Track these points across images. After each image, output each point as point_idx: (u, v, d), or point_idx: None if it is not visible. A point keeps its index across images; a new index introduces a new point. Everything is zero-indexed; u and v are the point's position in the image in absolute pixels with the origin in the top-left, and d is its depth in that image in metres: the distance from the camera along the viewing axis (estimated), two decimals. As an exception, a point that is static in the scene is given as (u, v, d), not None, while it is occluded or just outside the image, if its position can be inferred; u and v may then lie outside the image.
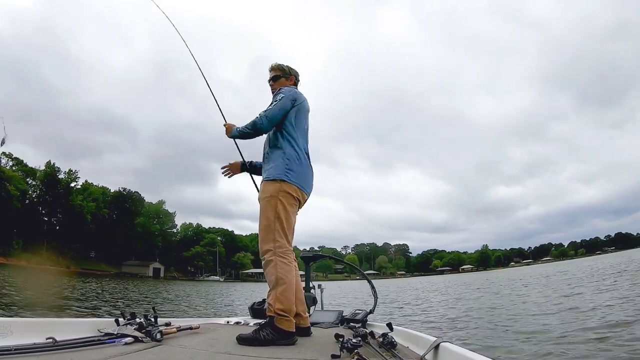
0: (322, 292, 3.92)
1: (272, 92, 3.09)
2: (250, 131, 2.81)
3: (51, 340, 1.90)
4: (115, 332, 2.26)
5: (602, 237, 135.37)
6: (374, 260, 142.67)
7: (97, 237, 68.53)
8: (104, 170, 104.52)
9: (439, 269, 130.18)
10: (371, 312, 3.63)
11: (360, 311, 3.64)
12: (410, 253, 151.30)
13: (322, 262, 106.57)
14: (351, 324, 3.44)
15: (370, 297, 3.96)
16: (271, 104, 2.87)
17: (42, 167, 67.94)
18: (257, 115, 2.79)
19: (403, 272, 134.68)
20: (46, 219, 68.15)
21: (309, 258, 4.20)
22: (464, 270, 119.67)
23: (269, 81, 3.15)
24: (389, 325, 2.80)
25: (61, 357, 1.78)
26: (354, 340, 2.45)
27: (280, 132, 2.86)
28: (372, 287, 3.87)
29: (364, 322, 3.45)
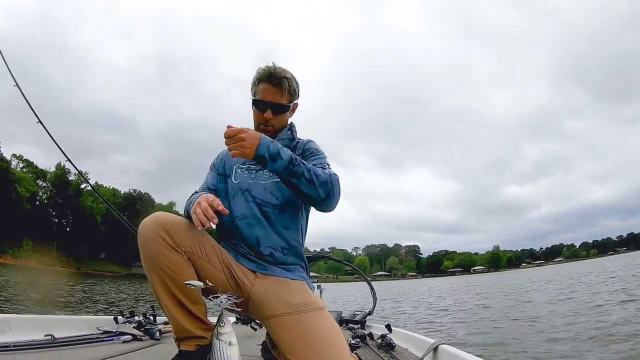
0: (321, 292, 3.91)
1: (267, 131, 1.72)
2: (316, 186, 1.52)
3: (50, 337, 1.92)
4: (114, 330, 2.29)
5: (614, 238, 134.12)
6: (384, 262, 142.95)
7: (107, 238, 69.09)
8: (110, 170, 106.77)
9: (450, 270, 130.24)
10: (370, 313, 3.61)
11: (359, 312, 3.64)
12: (421, 254, 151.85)
13: (332, 264, 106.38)
14: (350, 325, 3.44)
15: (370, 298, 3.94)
16: (319, 159, 1.71)
17: (52, 169, 68.94)
18: (331, 171, 1.61)
19: (414, 274, 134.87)
20: (56, 220, 69.01)
21: (309, 258, 4.20)
22: (475, 272, 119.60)
23: (264, 108, 1.71)
24: (388, 327, 2.79)
25: (60, 354, 1.80)
26: (352, 342, 2.46)
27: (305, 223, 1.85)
28: (372, 288, 3.87)
29: (362, 323, 3.44)
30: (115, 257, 71.25)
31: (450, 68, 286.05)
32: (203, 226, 1.41)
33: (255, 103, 1.72)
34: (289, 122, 1.84)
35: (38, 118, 2.74)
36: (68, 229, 69.72)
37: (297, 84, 1.75)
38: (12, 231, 52.81)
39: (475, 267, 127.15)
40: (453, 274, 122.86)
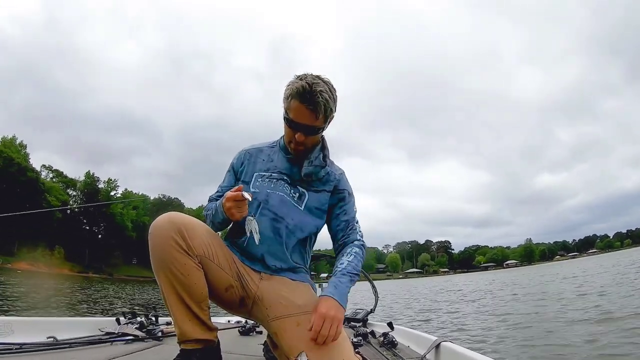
0: (323, 291, 3.91)
1: (295, 151, 1.66)
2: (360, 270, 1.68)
3: (52, 339, 1.99)
4: (116, 331, 2.34)
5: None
6: (416, 258, 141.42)
7: (139, 244, 70.88)
8: (134, 175, 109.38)
9: (483, 265, 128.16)
10: (372, 311, 3.61)
11: (361, 310, 3.64)
12: (453, 249, 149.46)
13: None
14: (352, 323, 3.43)
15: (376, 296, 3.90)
16: (348, 214, 1.74)
17: (79, 177, 71.86)
18: (360, 239, 1.73)
19: (446, 270, 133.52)
20: (87, 228, 71.30)
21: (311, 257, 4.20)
22: (508, 266, 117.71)
23: (296, 129, 1.58)
24: (390, 325, 2.77)
25: (62, 356, 1.85)
26: (354, 340, 2.46)
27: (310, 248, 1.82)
28: (373, 287, 3.85)
29: (364, 321, 3.44)
30: (147, 262, 72.54)
31: (475, 47, 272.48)
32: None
33: (286, 121, 1.60)
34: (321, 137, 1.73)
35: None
36: (100, 236, 71.97)
37: (334, 100, 1.58)
38: (44, 240, 54.82)
39: (508, 262, 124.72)
40: (486, 269, 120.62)
